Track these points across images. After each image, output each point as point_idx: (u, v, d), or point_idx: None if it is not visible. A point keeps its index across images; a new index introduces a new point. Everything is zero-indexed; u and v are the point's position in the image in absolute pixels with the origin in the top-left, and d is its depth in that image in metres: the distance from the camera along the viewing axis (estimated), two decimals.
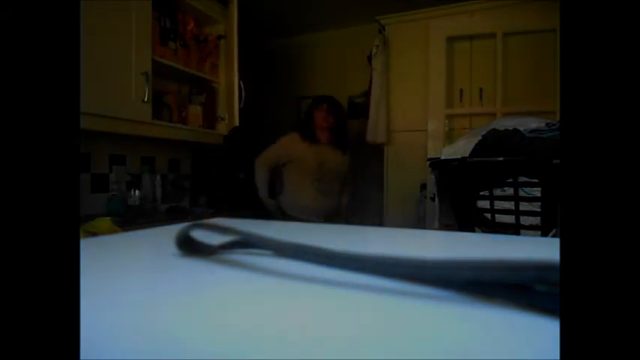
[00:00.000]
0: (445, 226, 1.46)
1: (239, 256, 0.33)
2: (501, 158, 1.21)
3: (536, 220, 1.20)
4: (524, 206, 1.21)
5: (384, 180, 2.69)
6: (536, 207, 1.19)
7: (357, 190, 2.17)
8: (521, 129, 1.24)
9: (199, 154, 2.47)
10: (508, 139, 1.23)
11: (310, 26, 2.91)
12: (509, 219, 1.24)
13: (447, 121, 2.52)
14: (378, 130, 2.56)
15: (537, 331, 0.18)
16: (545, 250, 0.40)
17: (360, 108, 2.87)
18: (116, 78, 1.61)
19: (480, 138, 1.31)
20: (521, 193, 1.21)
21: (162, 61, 1.89)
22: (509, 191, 1.23)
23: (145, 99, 1.72)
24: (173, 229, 0.36)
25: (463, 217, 1.38)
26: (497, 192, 1.26)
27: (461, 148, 1.35)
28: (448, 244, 0.46)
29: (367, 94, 2.67)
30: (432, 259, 0.22)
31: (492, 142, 1.27)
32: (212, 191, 2.00)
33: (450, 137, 2.48)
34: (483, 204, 1.28)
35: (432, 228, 1.86)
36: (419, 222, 2.45)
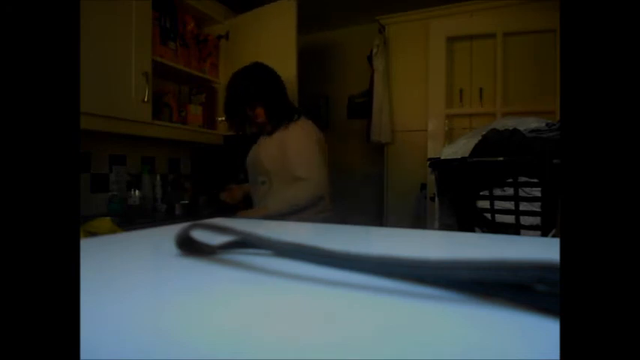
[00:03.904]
0: (445, 226, 1.46)
1: (239, 256, 0.33)
2: (501, 158, 1.21)
3: (536, 220, 1.20)
4: (524, 206, 1.21)
5: (384, 180, 2.69)
6: (536, 207, 1.19)
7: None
8: (521, 129, 1.24)
9: (199, 154, 2.47)
10: (508, 139, 1.23)
11: (310, 26, 2.91)
12: (509, 219, 1.24)
13: (447, 121, 2.52)
14: (382, 130, 2.57)
15: (537, 331, 0.18)
16: (545, 250, 0.40)
17: (360, 108, 2.87)
18: (116, 78, 1.61)
19: (480, 138, 1.31)
20: (521, 193, 1.21)
21: (162, 61, 1.89)
22: (509, 191, 1.23)
23: (145, 99, 1.72)
24: (173, 229, 0.36)
25: (463, 217, 1.38)
26: (498, 192, 1.26)
27: (461, 148, 1.35)
28: (448, 244, 0.46)
29: (367, 94, 2.67)
30: (432, 259, 0.22)
31: (492, 142, 1.27)
32: (212, 191, 1.97)
33: (450, 137, 2.48)
34: (483, 204, 1.28)
35: (432, 228, 1.86)
36: (419, 222, 2.45)
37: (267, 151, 1.54)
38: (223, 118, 2.28)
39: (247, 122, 1.59)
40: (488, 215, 1.28)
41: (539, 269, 0.19)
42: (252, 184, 1.62)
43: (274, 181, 1.52)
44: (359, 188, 2.90)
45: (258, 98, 1.52)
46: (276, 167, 1.50)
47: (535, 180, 1.18)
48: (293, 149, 1.45)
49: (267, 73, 1.57)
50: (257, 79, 1.54)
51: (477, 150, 1.29)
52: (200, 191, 2.34)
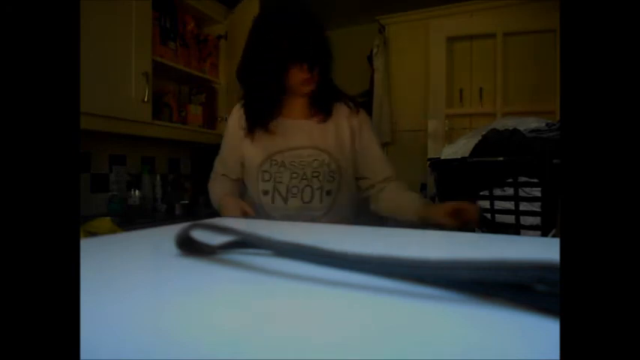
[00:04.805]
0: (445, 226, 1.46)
1: (239, 256, 0.33)
2: (501, 158, 1.21)
3: (536, 220, 1.20)
4: (524, 206, 1.21)
5: None
6: (536, 207, 1.19)
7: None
8: (521, 129, 1.24)
9: (199, 154, 2.47)
10: (508, 139, 1.23)
11: None
12: (509, 219, 1.24)
13: (447, 121, 2.52)
14: (382, 129, 2.57)
15: (537, 331, 0.18)
16: (545, 250, 0.40)
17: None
18: (116, 78, 1.61)
19: (480, 138, 1.31)
20: (521, 193, 1.21)
21: (162, 61, 1.90)
22: (509, 191, 1.23)
23: (145, 99, 1.72)
24: (173, 229, 0.36)
25: None
26: (498, 192, 1.26)
27: (461, 148, 1.35)
28: (448, 244, 0.46)
29: (367, 94, 2.67)
30: (432, 259, 0.22)
31: (492, 142, 1.27)
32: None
33: (450, 137, 2.48)
34: (483, 204, 1.28)
35: (432, 228, 1.86)
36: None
37: (336, 144, 1.02)
38: (224, 117, 2.28)
39: (281, 93, 1.00)
40: (489, 215, 1.28)
41: (539, 269, 0.19)
42: (285, 197, 1.01)
43: (344, 187, 1.04)
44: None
45: (319, 52, 0.99)
46: (350, 167, 1.05)
47: (535, 180, 1.18)
48: (377, 143, 1.08)
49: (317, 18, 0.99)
50: (315, 20, 0.99)
51: (476, 150, 1.29)
52: (200, 191, 2.34)
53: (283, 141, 1.02)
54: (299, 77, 0.97)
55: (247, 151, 1.05)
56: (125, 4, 1.65)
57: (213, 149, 2.35)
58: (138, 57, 1.70)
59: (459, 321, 0.20)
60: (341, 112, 1.06)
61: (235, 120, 1.09)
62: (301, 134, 1.02)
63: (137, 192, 1.87)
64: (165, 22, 1.97)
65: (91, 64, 1.48)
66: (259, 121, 1.02)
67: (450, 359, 0.16)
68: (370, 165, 1.07)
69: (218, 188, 1.14)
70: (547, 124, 1.24)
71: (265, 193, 1.03)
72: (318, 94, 1.03)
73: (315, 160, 1.00)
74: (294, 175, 1.00)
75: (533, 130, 1.23)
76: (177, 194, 2.13)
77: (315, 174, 1.00)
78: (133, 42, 1.68)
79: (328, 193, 1.02)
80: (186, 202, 2.09)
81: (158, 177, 2.07)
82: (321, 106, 1.04)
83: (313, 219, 1.00)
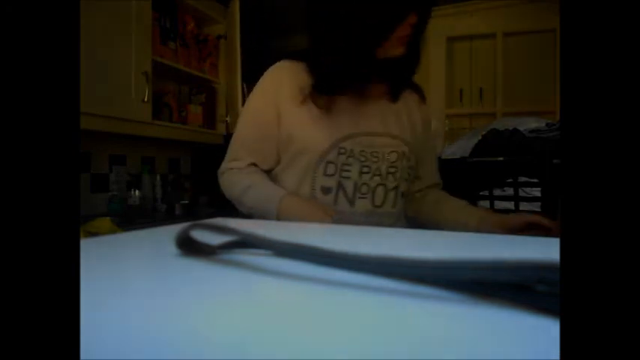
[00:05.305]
0: None
1: (239, 256, 0.33)
2: (501, 158, 1.21)
3: None
4: (524, 206, 1.21)
5: None
6: (536, 207, 1.19)
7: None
8: (521, 129, 1.24)
9: (199, 154, 2.47)
10: (508, 139, 1.24)
11: None
12: None
13: (447, 121, 2.53)
14: None
15: (537, 331, 0.18)
16: (545, 250, 0.40)
17: None
18: (116, 78, 1.61)
19: (480, 138, 1.31)
20: (521, 193, 1.21)
21: (162, 61, 1.90)
22: (510, 191, 1.23)
23: (145, 99, 1.72)
24: (173, 229, 0.36)
25: None
26: (498, 192, 1.26)
27: (461, 148, 1.35)
28: (448, 244, 0.46)
29: None
30: (432, 259, 0.22)
31: (492, 142, 1.27)
32: (212, 191, 1.96)
33: (450, 137, 2.48)
34: (483, 204, 1.28)
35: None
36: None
37: (412, 134, 0.83)
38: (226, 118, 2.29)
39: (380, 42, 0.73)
40: None
41: (539, 269, 0.19)
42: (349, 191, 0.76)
43: (404, 188, 0.82)
44: None
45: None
46: (414, 164, 0.84)
47: (535, 180, 1.18)
48: (435, 144, 0.91)
49: None
50: None
51: (477, 150, 1.30)
52: (200, 191, 2.34)
53: (352, 123, 0.76)
54: (395, 35, 0.73)
55: (300, 132, 0.75)
56: (125, 4, 1.65)
57: (213, 149, 2.37)
58: (138, 57, 1.70)
59: (459, 321, 0.20)
60: (410, 97, 0.86)
61: (282, 82, 0.77)
62: (372, 117, 0.78)
63: (137, 192, 1.87)
64: (165, 22, 1.97)
65: (91, 64, 1.48)
66: (339, 89, 0.75)
67: (449, 359, 0.16)
68: (425, 166, 0.90)
69: (262, 185, 0.78)
70: (547, 124, 1.24)
71: (327, 191, 0.75)
72: (404, 62, 0.77)
73: (393, 151, 0.77)
74: (365, 170, 0.75)
75: (533, 130, 1.23)
76: (177, 194, 2.13)
77: (391, 170, 0.77)
78: (133, 42, 1.68)
79: (404, 195, 0.81)
80: (186, 202, 2.10)
81: (158, 177, 2.08)
82: (399, 81, 0.81)
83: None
